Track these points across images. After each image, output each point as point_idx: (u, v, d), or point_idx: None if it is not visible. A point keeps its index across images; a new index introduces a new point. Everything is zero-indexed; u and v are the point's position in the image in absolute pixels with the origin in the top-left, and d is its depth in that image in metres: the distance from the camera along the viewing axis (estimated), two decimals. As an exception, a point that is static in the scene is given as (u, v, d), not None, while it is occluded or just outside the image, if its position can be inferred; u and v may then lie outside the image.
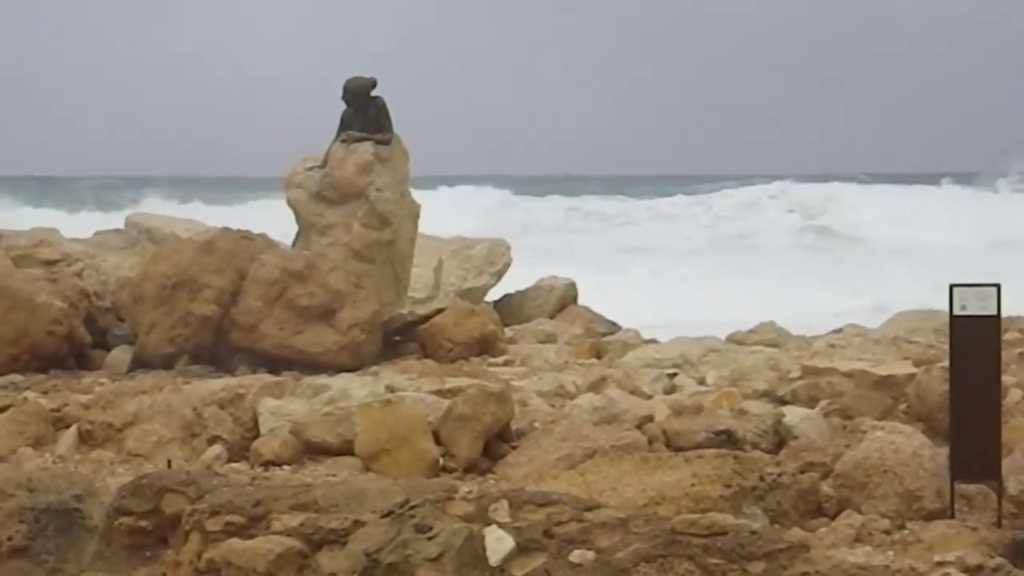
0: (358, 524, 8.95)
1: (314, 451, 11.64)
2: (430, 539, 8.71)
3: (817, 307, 25.74)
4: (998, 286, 9.57)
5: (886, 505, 9.97)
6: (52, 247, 17.13)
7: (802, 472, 10.44)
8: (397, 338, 16.30)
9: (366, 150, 16.17)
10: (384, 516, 8.94)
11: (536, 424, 11.85)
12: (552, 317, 19.71)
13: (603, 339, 17.38)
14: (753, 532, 8.50)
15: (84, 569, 9.66)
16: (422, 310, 16.45)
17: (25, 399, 13.03)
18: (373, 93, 16.37)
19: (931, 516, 9.84)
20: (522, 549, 8.55)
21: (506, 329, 17.58)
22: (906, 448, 10.24)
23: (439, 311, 16.41)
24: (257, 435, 11.91)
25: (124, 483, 10.04)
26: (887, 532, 9.56)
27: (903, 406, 12.02)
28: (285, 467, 11.39)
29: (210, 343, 15.34)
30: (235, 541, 9.06)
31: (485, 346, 16.05)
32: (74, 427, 12.19)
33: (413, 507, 8.96)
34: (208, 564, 9.10)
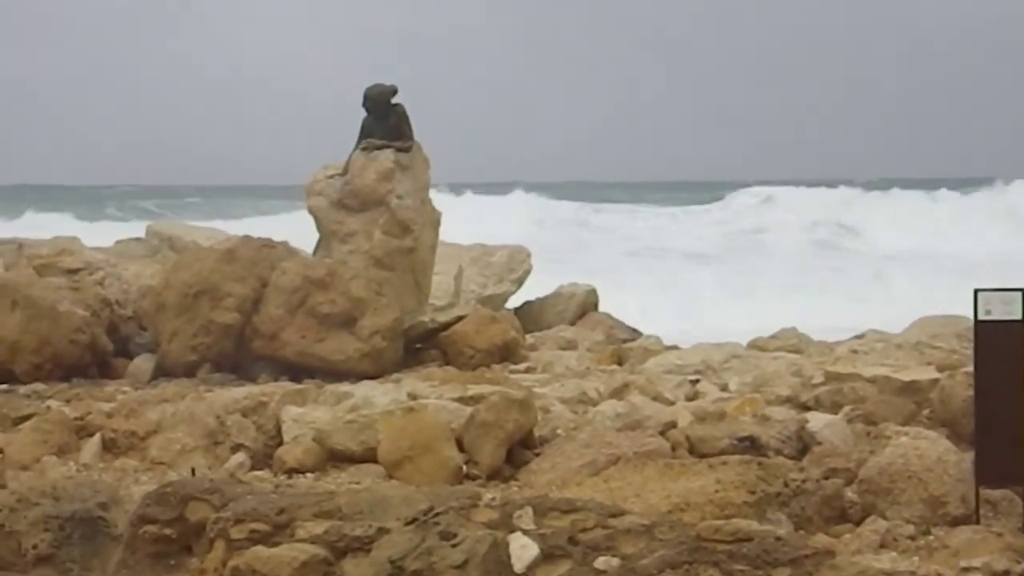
0: (382, 531, 8.95)
1: (337, 459, 11.65)
2: (455, 546, 8.71)
3: (832, 314, 25.61)
4: (1023, 291, 9.55)
5: (911, 511, 9.95)
6: (74, 256, 17.17)
7: (826, 478, 10.42)
8: (418, 345, 16.31)
9: (387, 157, 16.17)
10: (408, 523, 8.94)
11: (559, 431, 11.85)
12: (572, 324, 19.68)
13: (624, 345, 17.36)
14: (778, 538, 8.48)
15: (109, 577, 9.70)
16: (443, 317, 16.45)
17: (48, 408, 13.06)
18: (393, 100, 16.36)
19: (956, 522, 9.83)
20: (547, 556, 8.55)
21: (527, 336, 17.57)
22: (931, 454, 10.22)
23: (460, 318, 16.42)
24: (280, 443, 11.93)
25: (148, 491, 10.06)
26: (912, 538, 9.55)
27: (927, 411, 12.00)
28: (308, 475, 11.41)
29: (232, 351, 15.36)
30: (260, 549, 9.07)
31: (506, 353, 16.05)
32: (97, 435, 12.22)
33: (437, 514, 8.96)
34: (233, 572, 9.11)
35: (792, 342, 16.56)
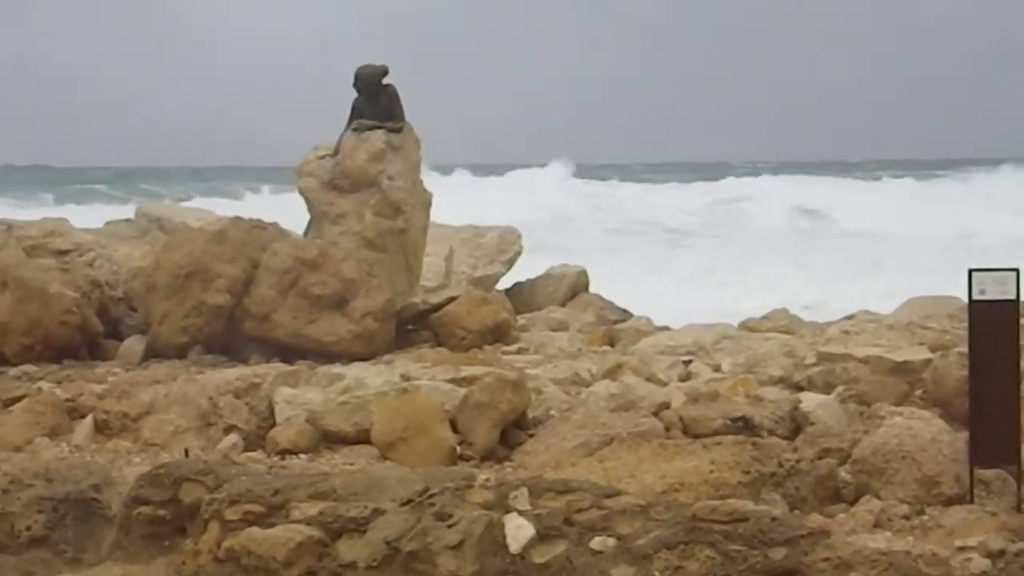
0: (377, 512, 8.94)
1: (330, 440, 11.63)
2: (450, 527, 8.70)
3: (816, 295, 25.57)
4: (1017, 271, 9.55)
5: (905, 491, 9.96)
6: (64, 237, 17.12)
7: (819, 458, 10.42)
8: (410, 327, 16.29)
9: (378, 138, 16.13)
10: (404, 504, 8.94)
11: (552, 412, 11.84)
12: (563, 305, 19.68)
13: (615, 326, 17.36)
14: (774, 518, 8.49)
15: (103, 559, 9.67)
16: (435, 299, 16.45)
17: (39, 389, 13.03)
18: (384, 81, 16.32)
19: (950, 501, 9.83)
20: (542, 536, 8.55)
21: (518, 317, 17.56)
22: (924, 434, 10.22)
23: (452, 299, 16.41)
24: (273, 424, 11.91)
25: (142, 472, 10.05)
26: (906, 518, 9.55)
27: (919, 392, 12.01)
28: (302, 456, 11.39)
29: (223, 332, 15.33)
30: (254, 530, 9.06)
31: (498, 334, 16.05)
32: (89, 417, 12.19)
33: (432, 495, 8.95)
34: (227, 553, 9.10)
35: (783, 323, 16.58)
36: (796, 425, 11.34)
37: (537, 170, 57.37)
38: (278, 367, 13.46)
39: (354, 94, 16.42)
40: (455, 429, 11.33)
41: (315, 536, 8.93)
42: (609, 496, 8.81)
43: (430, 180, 17.42)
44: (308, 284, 15.18)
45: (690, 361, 13.92)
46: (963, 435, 10.19)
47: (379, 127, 16.19)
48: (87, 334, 15.57)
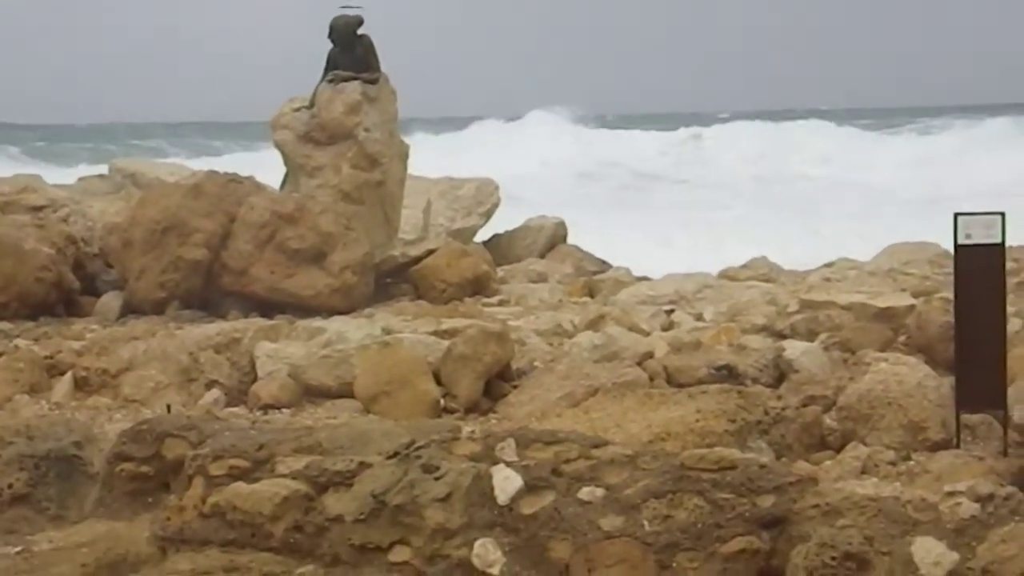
0: (364, 466, 8.85)
1: (313, 394, 11.58)
2: (437, 479, 8.61)
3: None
4: (1003, 214, 9.50)
5: (891, 437, 9.94)
6: (37, 193, 16.96)
7: (804, 406, 10.41)
8: (389, 280, 16.22)
9: (354, 90, 16.00)
10: (390, 457, 8.86)
11: (536, 363, 11.79)
12: (542, 256, 19.62)
13: (595, 277, 17.31)
14: (762, 466, 8.42)
15: (86, 516, 9.58)
16: (414, 251, 16.37)
17: (16, 347, 12.92)
18: (359, 31, 16.16)
19: (936, 447, 9.83)
20: (530, 488, 8.47)
21: (497, 269, 17.49)
22: (910, 379, 10.20)
23: (431, 252, 16.33)
24: (255, 379, 11.84)
25: (124, 429, 9.95)
26: (893, 463, 9.54)
27: (903, 338, 11.98)
28: (284, 410, 11.33)
29: (201, 288, 15.22)
30: (240, 485, 8.97)
31: (478, 286, 15.98)
32: (69, 374, 12.10)
33: (419, 448, 8.86)
34: (213, 508, 9.00)
35: (763, 271, 16.55)
36: (780, 373, 11.32)
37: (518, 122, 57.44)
38: (257, 322, 13.38)
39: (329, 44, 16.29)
40: (438, 381, 11.28)
41: (301, 490, 8.84)
42: (596, 446, 8.73)
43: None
44: (285, 238, 15.07)
45: (672, 311, 13.87)
46: (948, 380, 10.18)
47: (355, 78, 16.05)
48: (63, 291, 15.45)
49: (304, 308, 14.71)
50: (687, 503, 8.25)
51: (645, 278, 16.91)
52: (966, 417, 9.93)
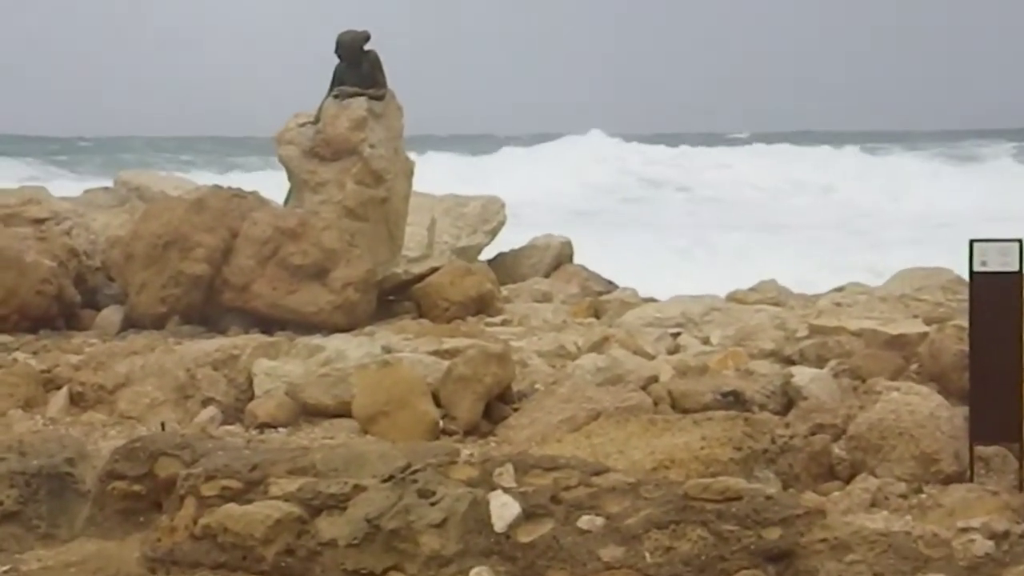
0: (358, 489, 8.65)
1: (310, 413, 11.36)
2: (433, 504, 8.41)
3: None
4: (1020, 241, 9.27)
5: (902, 468, 9.70)
6: (40, 205, 16.77)
7: (813, 434, 10.16)
8: (391, 298, 16.02)
9: (359, 106, 15.83)
10: (385, 481, 8.65)
11: (537, 385, 11.57)
12: (547, 276, 19.43)
13: (600, 298, 17.11)
14: (768, 497, 8.21)
15: (76, 534, 9.40)
16: (417, 269, 16.15)
17: (15, 360, 12.73)
18: (366, 47, 16.00)
19: (949, 480, 9.59)
20: (529, 515, 8.27)
21: (501, 288, 17.28)
22: (922, 409, 9.95)
23: (434, 270, 16.11)
24: (252, 397, 11.64)
25: (117, 446, 9.77)
26: (904, 496, 9.30)
27: (915, 366, 11.71)
28: (281, 429, 11.11)
29: (202, 303, 15.03)
30: (231, 507, 8.77)
31: (482, 305, 15.77)
32: (65, 389, 11.91)
33: (415, 471, 8.66)
34: (204, 530, 8.81)
35: (772, 295, 16.32)
36: (788, 400, 11.08)
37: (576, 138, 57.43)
38: (257, 338, 13.16)
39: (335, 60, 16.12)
40: (438, 403, 11.06)
41: (294, 513, 8.65)
42: (597, 473, 8.52)
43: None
44: (288, 254, 14.88)
45: (678, 333, 13.64)
46: (961, 411, 9.95)
47: (361, 94, 15.88)
48: (64, 304, 15.28)
49: (306, 325, 14.51)
50: (690, 534, 8.03)
51: (652, 299, 16.70)
52: (980, 449, 9.70)
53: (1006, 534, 7.85)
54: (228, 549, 8.73)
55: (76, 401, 11.83)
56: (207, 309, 15.05)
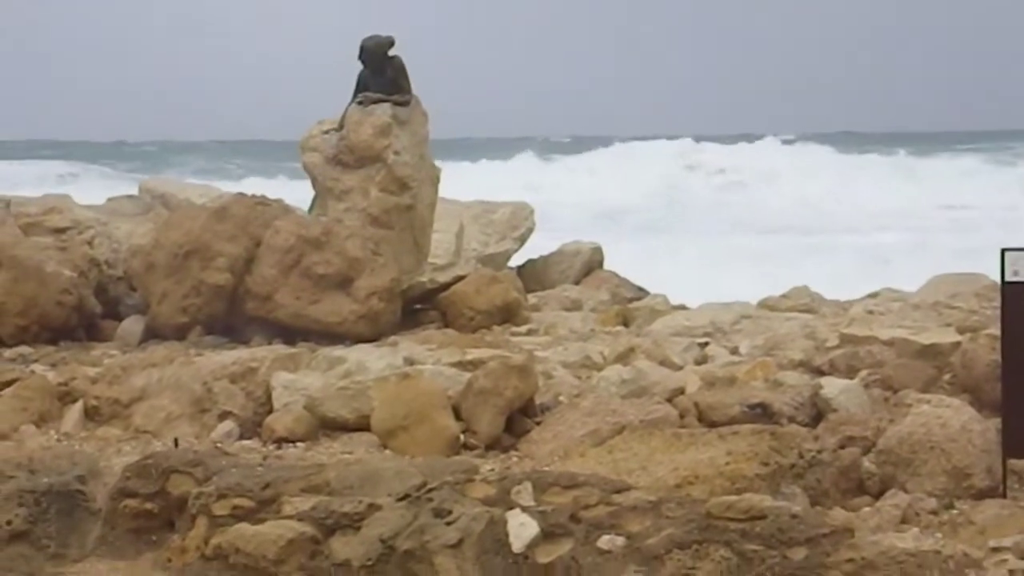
0: (373, 508, 8.48)
1: (329, 427, 11.12)
2: (449, 524, 8.23)
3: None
4: (1053, 250, 8.99)
5: (933, 483, 9.41)
6: (62, 214, 16.58)
7: (842, 447, 9.89)
8: (417, 307, 15.78)
9: (384, 112, 15.60)
10: (400, 499, 8.47)
11: (561, 398, 11.31)
12: (577, 283, 19.18)
13: (630, 305, 16.85)
14: (794, 516, 7.99)
15: (87, 554, 9.24)
16: (442, 277, 15.92)
17: (32, 372, 12.55)
18: (391, 52, 15.78)
19: (981, 495, 9.30)
20: (547, 535, 8.07)
21: (529, 296, 17.04)
22: (954, 423, 9.66)
23: (460, 278, 15.87)
24: (270, 410, 11.41)
25: (129, 463, 9.60)
26: (935, 512, 9.03)
27: (948, 376, 11.38)
28: (299, 444, 10.87)
29: (224, 313, 14.81)
30: (243, 526, 8.62)
31: (508, 314, 15.51)
32: (79, 403, 11.71)
33: (431, 490, 8.48)
34: (215, 551, 8.67)
35: (804, 301, 16.03)
36: (817, 412, 10.79)
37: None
38: (278, 349, 12.95)
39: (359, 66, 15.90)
40: (458, 416, 10.81)
41: (307, 533, 8.49)
42: (618, 491, 8.32)
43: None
44: (311, 263, 14.65)
45: (706, 343, 13.35)
46: (994, 423, 9.66)
47: (385, 100, 15.66)
48: (84, 314, 15.09)
49: (329, 335, 14.28)
50: (713, 555, 7.82)
51: (682, 307, 16.43)
52: (1013, 463, 9.42)
53: (1039, 555, 7.61)
54: (240, 570, 8.56)
55: (91, 415, 11.63)
56: (229, 319, 14.84)
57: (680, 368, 12.14)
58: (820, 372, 11.88)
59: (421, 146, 15.92)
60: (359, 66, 15.82)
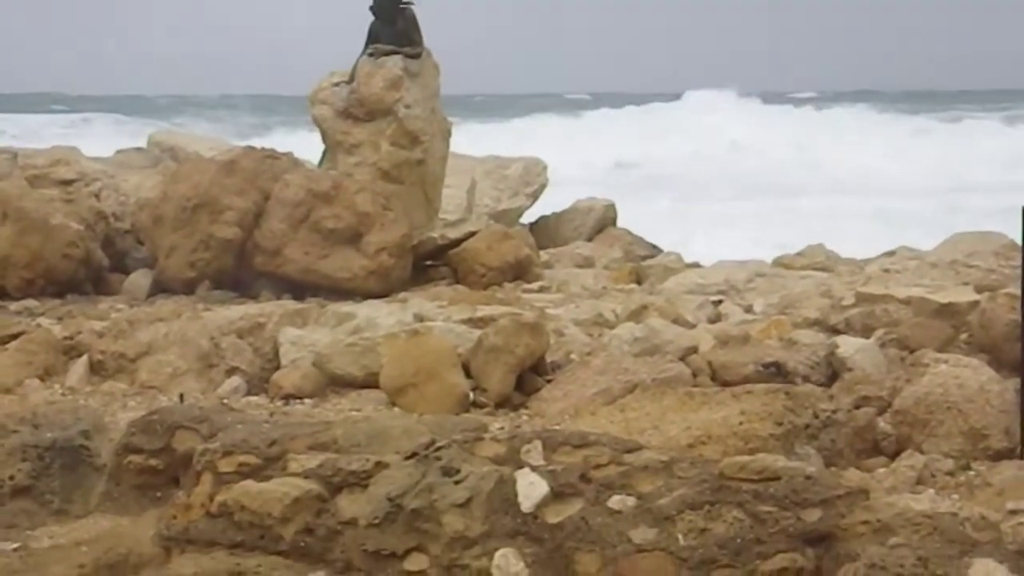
0: (380, 466, 8.31)
1: (337, 384, 11.01)
2: (457, 483, 8.06)
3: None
4: (1076, 208, 8.82)
5: (949, 444, 9.27)
6: (69, 166, 16.45)
7: (857, 407, 9.74)
8: (427, 263, 15.63)
9: (395, 64, 15.42)
10: (408, 457, 8.31)
11: (572, 356, 11.17)
12: (590, 240, 19.06)
13: (643, 263, 16.70)
14: (808, 477, 7.82)
15: (91, 510, 9.11)
16: (453, 233, 15.76)
17: (38, 326, 12.43)
18: (402, 3, 15.59)
19: (998, 456, 9.16)
20: (557, 494, 7.90)
21: (542, 253, 16.89)
22: (972, 383, 9.50)
23: (471, 234, 15.71)
24: (278, 366, 11.29)
25: (134, 419, 9.46)
26: (951, 474, 8.89)
27: (965, 336, 11.22)
28: (306, 401, 10.76)
29: (232, 267, 14.69)
30: (249, 483, 8.45)
31: (520, 271, 15.35)
32: (84, 357, 11.59)
33: (439, 448, 8.31)
34: (220, 508, 8.49)
35: (820, 259, 15.87)
36: (832, 371, 10.65)
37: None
38: (286, 305, 12.83)
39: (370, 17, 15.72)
40: (468, 374, 10.68)
41: (313, 491, 8.32)
42: (629, 451, 8.14)
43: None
44: (321, 217, 14.51)
45: (720, 301, 13.20)
46: (1013, 384, 9.51)
47: (396, 52, 15.48)
48: (91, 268, 14.97)
49: (338, 291, 14.16)
50: (726, 515, 7.64)
51: (696, 264, 16.28)
52: (1031, 424, 9.27)
53: (1059, 518, 7.48)
54: (245, 528, 8.40)
55: (96, 370, 11.52)
56: (238, 274, 14.71)
57: (693, 326, 12.00)
58: (835, 331, 11.73)
59: (432, 99, 15.75)
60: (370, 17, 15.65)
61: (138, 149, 20.15)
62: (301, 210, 14.55)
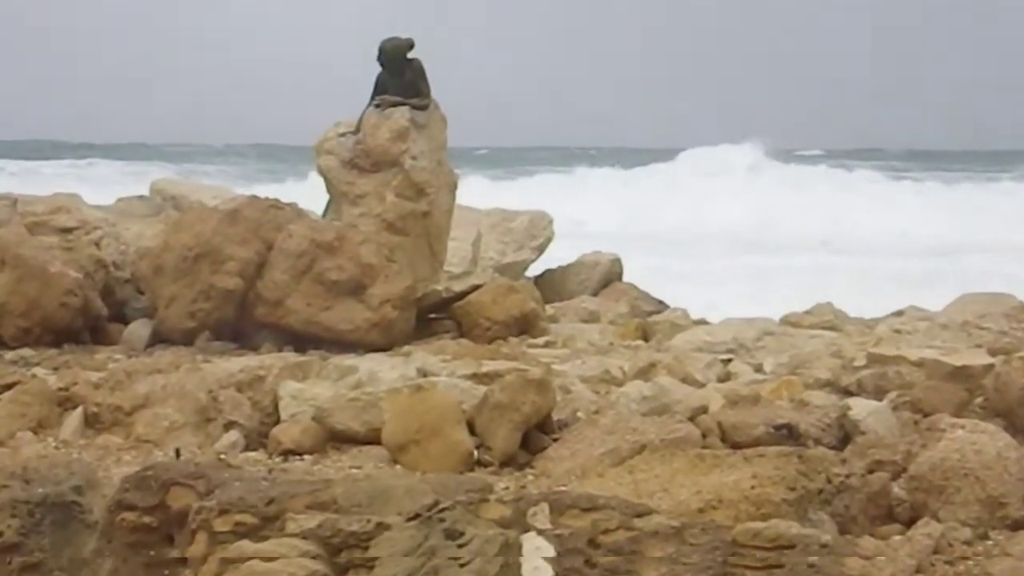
0: (381, 527, 8.09)
1: (338, 439, 10.72)
2: (461, 547, 7.83)
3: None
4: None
5: (966, 512, 9.00)
6: (70, 214, 16.24)
7: (871, 472, 9.49)
8: (431, 316, 15.37)
9: (401, 115, 15.23)
10: (411, 519, 8.07)
11: (579, 414, 10.91)
12: (595, 294, 18.80)
13: (650, 319, 16.44)
14: (823, 545, 7.60)
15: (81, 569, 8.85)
16: (458, 286, 15.51)
17: (33, 376, 12.17)
18: (410, 55, 15.42)
19: (1017, 526, 8.90)
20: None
21: (547, 307, 16.64)
22: (989, 449, 9.24)
23: (476, 287, 15.46)
24: (277, 421, 11.02)
25: (127, 474, 9.21)
26: (968, 543, 8.62)
27: (980, 400, 10.98)
28: (306, 457, 10.48)
29: (233, 318, 14.42)
30: (255, 563, 8.19)
31: (525, 325, 15.09)
32: (79, 409, 11.32)
33: (443, 509, 8.08)
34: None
35: (828, 318, 15.61)
36: (845, 434, 10.39)
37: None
38: (287, 357, 12.56)
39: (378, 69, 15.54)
40: (473, 431, 10.41)
41: (319, 572, 8.08)
42: (639, 515, 7.94)
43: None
44: (324, 268, 14.26)
45: (730, 359, 12.95)
46: (1030, 450, 9.25)
47: (403, 104, 15.29)
48: (89, 317, 14.69)
49: (341, 343, 13.90)
50: (739, 585, 7.43)
51: (703, 321, 16.03)
52: (1050, 493, 9.02)
53: (1084, 594, 7.21)
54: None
55: (92, 422, 11.25)
56: (239, 325, 14.44)
57: (703, 385, 11.75)
58: (847, 392, 11.49)
59: (439, 151, 15.55)
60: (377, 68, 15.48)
61: (140, 197, 19.92)
62: (304, 261, 14.32)
